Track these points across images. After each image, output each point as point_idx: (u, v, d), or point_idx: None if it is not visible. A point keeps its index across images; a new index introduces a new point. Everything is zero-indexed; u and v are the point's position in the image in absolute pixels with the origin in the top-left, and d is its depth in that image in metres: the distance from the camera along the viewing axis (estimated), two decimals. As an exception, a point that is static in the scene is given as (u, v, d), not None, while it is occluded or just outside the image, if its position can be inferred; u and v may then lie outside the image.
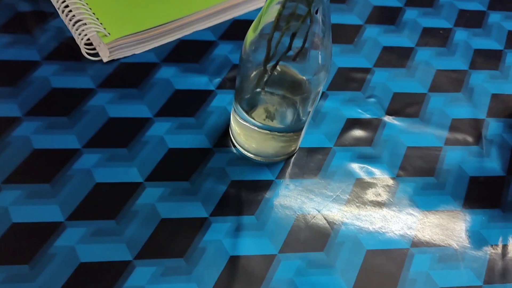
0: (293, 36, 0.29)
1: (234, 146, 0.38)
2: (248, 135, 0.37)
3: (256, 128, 0.35)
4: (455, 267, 0.35)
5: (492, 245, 0.36)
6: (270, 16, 0.29)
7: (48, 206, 0.33)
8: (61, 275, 0.31)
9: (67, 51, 0.42)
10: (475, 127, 0.43)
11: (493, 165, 0.41)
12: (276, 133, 0.35)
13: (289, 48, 0.30)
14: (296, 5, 0.28)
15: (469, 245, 0.36)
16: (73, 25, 0.41)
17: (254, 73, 0.32)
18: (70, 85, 0.40)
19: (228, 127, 0.39)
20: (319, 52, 0.30)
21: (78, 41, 0.41)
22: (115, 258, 0.32)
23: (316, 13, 0.27)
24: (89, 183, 0.35)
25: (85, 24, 0.41)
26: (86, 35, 0.40)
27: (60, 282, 0.31)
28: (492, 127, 0.43)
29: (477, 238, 0.36)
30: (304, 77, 0.32)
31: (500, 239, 0.37)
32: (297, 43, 0.30)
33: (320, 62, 0.31)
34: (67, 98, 0.39)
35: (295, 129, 0.36)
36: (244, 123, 0.36)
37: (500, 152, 0.42)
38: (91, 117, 0.38)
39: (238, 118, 0.36)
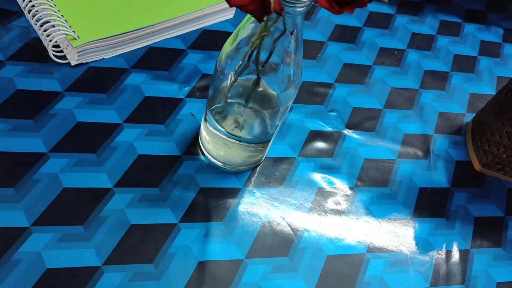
0: (270, 54, 0.31)
1: (203, 154, 0.39)
2: (217, 143, 0.38)
3: (225, 137, 0.37)
4: (406, 271, 0.38)
5: (438, 251, 0.40)
6: (246, 31, 0.31)
7: (12, 211, 0.33)
8: (27, 281, 0.30)
9: (32, 52, 0.41)
10: (424, 142, 0.47)
11: (439, 177, 0.45)
12: (244, 143, 0.37)
13: (264, 62, 0.32)
14: (272, 24, 0.29)
15: (418, 251, 0.39)
16: (40, 26, 0.41)
17: (227, 84, 0.34)
18: (36, 87, 0.39)
19: (197, 135, 0.40)
20: (291, 69, 0.32)
21: (45, 43, 0.40)
22: (83, 263, 0.32)
23: (292, 34, 0.29)
24: (56, 188, 0.35)
25: (53, 26, 0.40)
26: (54, 37, 0.40)
27: (26, 289, 0.30)
28: (439, 142, 0.47)
29: (425, 244, 0.40)
30: (275, 92, 0.34)
31: (445, 245, 0.40)
32: (274, 58, 0.31)
33: (291, 78, 0.33)
34: (33, 101, 0.38)
35: (263, 140, 0.37)
36: (214, 131, 0.37)
37: (445, 166, 0.46)
38: (59, 121, 0.38)
39: (208, 126, 0.37)
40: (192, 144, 0.40)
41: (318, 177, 0.41)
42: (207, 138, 0.38)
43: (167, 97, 0.42)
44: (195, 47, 0.46)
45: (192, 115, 0.41)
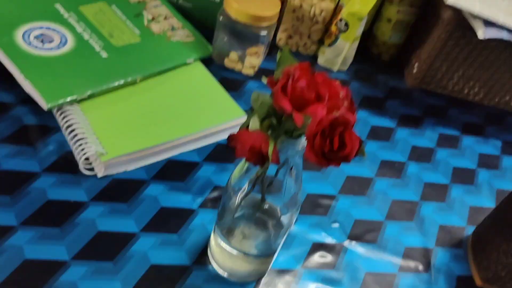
0: (271, 181, 0.35)
1: (211, 264, 0.42)
2: (225, 255, 0.41)
3: (232, 251, 0.39)
4: None
5: None
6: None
7: (31, 318, 0.35)
8: None
9: (65, 164, 0.46)
10: (425, 255, 0.48)
11: (440, 293, 0.46)
12: (250, 257, 0.40)
13: (268, 186, 0.36)
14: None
15: None
16: (75, 142, 0.46)
17: (235, 204, 0.37)
18: (65, 197, 0.43)
19: (207, 245, 0.43)
20: (292, 193, 0.36)
21: (77, 157, 0.45)
22: None
23: (291, 170, 0.33)
24: (73, 296, 0.37)
25: (86, 142, 0.46)
26: (86, 153, 0.45)
27: None
28: (440, 256, 0.49)
29: None
30: (279, 211, 0.38)
31: None
32: (277, 182, 0.35)
33: (292, 201, 0.36)
34: (61, 210, 0.42)
35: (267, 254, 0.40)
36: (222, 244, 0.40)
37: (446, 280, 0.47)
38: (82, 229, 0.41)
39: (217, 238, 0.40)
40: (202, 254, 0.43)
41: (320, 289, 0.43)
42: (216, 249, 0.41)
43: (181, 208, 0.46)
44: (209, 159, 0.51)
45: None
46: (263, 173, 0.34)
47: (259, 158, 0.27)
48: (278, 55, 0.31)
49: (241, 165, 0.36)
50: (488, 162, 0.62)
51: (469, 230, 0.52)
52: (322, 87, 0.27)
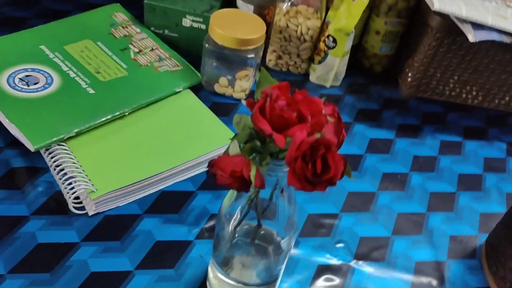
0: (267, 206, 0.33)
1: (211, 298, 0.40)
2: (224, 287, 0.38)
3: (232, 282, 0.37)
4: None
5: None
6: None
7: None
8: None
9: (55, 205, 0.45)
10: (437, 270, 0.46)
11: (458, 309, 0.43)
12: (252, 287, 0.38)
13: (263, 211, 0.34)
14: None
15: None
16: (64, 181, 0.45)
17: (229, 233, 0.36)
18: (55, 240, 0.42)
19: (205, 278, 0.41)
20: (288, 217, 0.34)
21: (66, 196, 0.44)
22: None
23: (282, 192, 0.32)
24: None
25: (75, 181, 0.44)
26: (75, 191, 0.43)
27: None
28: (454, 269, 0.46)
29: None
30: (276, 236, 0.36)
31: None
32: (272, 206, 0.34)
33: (289, 224, 0.35)
34: (51, 254, 0.41)
35: (269, 282, 0.38)
36: (221, 276, 0.38)
37: (463, 295, 0.44)
38: (74, 272, 0.40)
39: (215, 271, 0.38)
40: (201, 287, 0.41)
41: (329, 316, 0.40)
42: (214, 281, 0.39)
43: (177, 240, 0.44)
44: (204, 187, 0.49)
45: (201, 257, 0.43)
46: (254, 198, 0.32)
47: (242, 183, 0.25)
48: (257, 76, 0.30)
49: (231, 192, 0.34)
50: (494, 165, 0.60)
51: (482, 238, 0.50)
52: (302, 106, 0.26)
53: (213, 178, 0.27)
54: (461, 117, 0.67)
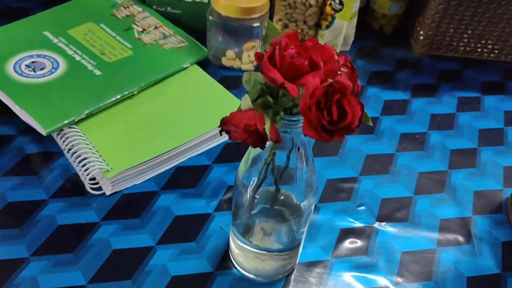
0: (285, 167, 0.32)
1: (235, 268, 0.40)
2: (247, 256, 0.38)
3: (254, 250, 0.37)
4: None
5: None
6: (258, 149, 0.33)
7: None
8: None
9: (72, 187, 0.44)
10: (463, 226, 0.45)
11: (487, 263, 0.42)
12: (274, 253, 0.37)
13: (281, 174, 0.33)
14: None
15: None
16: (78, 163, 0.45)
17: (248, 199, 0.35)
18: (75, 221, 0.42)
19: (228, 248, 0.41)
20: (306, 177, 0.33)
21: (82, 178, 0.44)
22: None
23: (298, 150, 0.31)
24: (95, 321, 0.35)
25: (89, 162, 0.44)
26: (90, 172, 0.43)
27: None
28: (480, 224, 0.45)
29: None
30: (296, 199, 0.35)
31: None
32: (289, 169, 0.33)
33: (308, 185, 0.34)
34: (73, 234, 0.41)
35: (291, 247, 0.37)
36: (243, 245, 0.37)
37: (491, 249, 0.43)
38: (96, 251, 0.40)
39: (236, 240, 0.38)
40: (224, 258, 0.40)
41: (354, 277, 0.40)
42: (237, 251, 0.39)
43: (196, 214, 0.43)
44: (219, 160, 0.48)
45: (221, 228, 0.42)
46: (271, 161, 0.32)
47: (256, 137, 0.25)
48: (264, 31, 0.29)
49: (246, 157, 0.34)
50: (515, 119, 0.58)
51: (508, 192, 0.48)
52: (314, 53, 0.25)
53: (228, 135, 0.26)
54: (477, 73, 0.64)
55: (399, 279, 0.40)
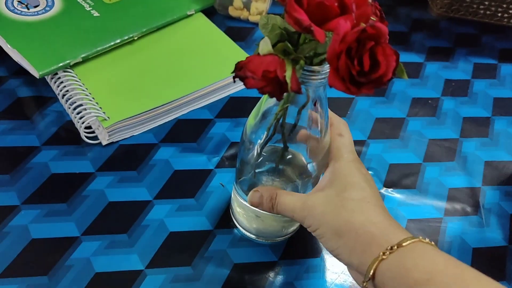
0: (295, 124, 0.30)
1: (235, 227, 0.38)
2: (249, 215, 0.36)
3: (258, 211, 0.35)
4: None
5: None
6: (269, 103, 0.30)
7: (45, 300, 0.32)
8: None
9: (66, 135, 0.42)
10: (472, 196, 0.43)
11: (494, 235, 0.41)
12: (278, 216, 0.35)
13: (290, 131, 0.31)
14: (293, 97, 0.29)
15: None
16: (73, 110, 0.42)
17: (254, 156, 0.33)
18: (69, 170, 0.40)
19: (229, 206, 0.39)
20: (318, 137, 0.31)
21: (77, 125, 0.41)
22: None
23: (315, 105, 0.28)
24: (89, 273, 0.34)
25: (85, 109, 0.41)
26: (86, 120, 0.41)
27: None
28: (489, 195, 0.44)
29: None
30: (305, 160, 0.33)
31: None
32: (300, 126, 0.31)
33: (319, 145, 0.32)
34: (66, 184, 0.39)
35: None
36: (245, 204, 0.36)
37: (499, 221, 0.42)
38: (91, 202, 0.38)
39: (239, 198, 0.36)
40: (224, 217, 0.39)
41: (358, 243, 0.39)
42: (238, 210, 0.37)
43: (196, 169, 0.41)
44: (222, 115, 0.46)
45: (222, 186, 0.40)
46: (282, 114, 0.29)
47: (276, 85, 0.22)
48: None
49: (256, 111, 0.31)
50: (532, 89, 0.55)
51: (519, 164, 0.47)
52: (344, -6, 0.22)
53: (242, 82, 0.24)
54: (496, 39, 0.61)
55: (404, 247, 0.39)
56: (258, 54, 0.23)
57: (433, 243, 0.27)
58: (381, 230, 0.27)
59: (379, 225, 0.27)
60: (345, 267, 0.37)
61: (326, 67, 0.25)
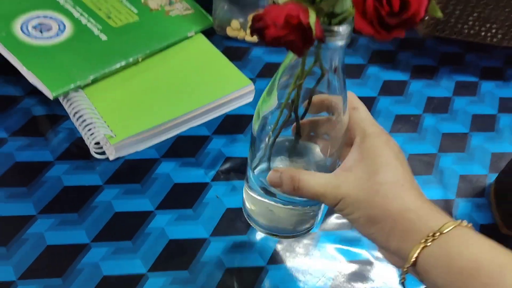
0: (309, 104, 0.30)
1: (251, 225, 0.41)
2: (261, 211, 0.38)
3: (271, 203, 0.36)
4: None
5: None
6: (282, 80, 0.29)
7: (59, 300, 0.37)
8: None
9: (77, 151, 0.47)
10: (446, 208, 0.47)
11: (464, 244, 0.45)
12: (298, 206, 0.37)
13: (304, 114, 0.31)
14: (309, 70, 0.27)
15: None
16: (84, 127, 0.46)
17: (269, 142, 0.33)
18: (80, 183, 0.44)
19: (223, 216, 0.43)
20: (340, 117, 0.31)
21: (87, 142, 0.46)
22: None
23: (335, 71, 0.28)
24: (97, 276, 0.38)
25: (94, 127, 0.46)
26: (95, 137, 0.45)
27: None
28: (462, 207, 0.48)
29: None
30: (324, 140, 0.33)
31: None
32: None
33: (337, 126, 0.31)
34: (77, 195, 0.43)
35: (312, 203, 0.37)
36: (258, 198, 0.37)
37: (469, 231, 0.46)
38: (99, 212, 0.42)
39: (252, 194, 0.37)
40: (218, 226, 0.43)
41: (339, 251, 0.43)
42: (252, 208, 0.40)
43: (194, 183, 0.46)
44: (219, 132, 0.50)
45: (218, 198, 0.45)
46: (296, 93, 0.28)
47: (299, 33, 0.20)
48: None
49: (266, 91, 0.31)
50: (509, 106, 0.59)
51: (492, 178, 0.51)
52: None
53: (261, 36, 0.22)
54: (479, 58, 0.65)
55: (380, 254, 0.43)
56: (278, 4, 0.22)
57: (471, 225, 0.27)
58: (420, 216, 0.27)
59: (417, 211, 0.27)
60: (326, 271, 0.41)
61: (344, 28, 0.25)
